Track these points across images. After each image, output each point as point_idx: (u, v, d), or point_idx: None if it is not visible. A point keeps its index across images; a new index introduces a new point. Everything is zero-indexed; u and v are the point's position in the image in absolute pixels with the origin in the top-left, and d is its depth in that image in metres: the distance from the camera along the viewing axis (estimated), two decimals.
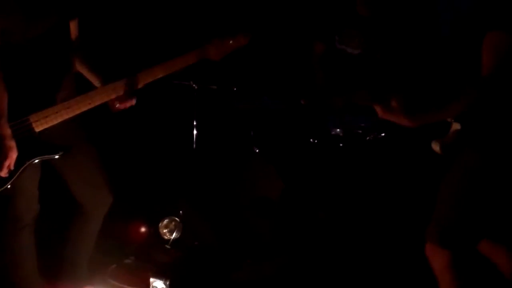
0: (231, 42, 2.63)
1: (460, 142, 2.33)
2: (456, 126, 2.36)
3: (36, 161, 2.41)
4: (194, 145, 3.72)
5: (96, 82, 2.59)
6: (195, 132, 3.71)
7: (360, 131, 3.50)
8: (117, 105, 2.52)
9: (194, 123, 3.70)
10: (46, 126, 2.39)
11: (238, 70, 3.84)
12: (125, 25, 4.29)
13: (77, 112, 2.45)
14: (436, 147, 2.37)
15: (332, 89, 3.87)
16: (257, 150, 3.71)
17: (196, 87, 3.60)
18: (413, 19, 4.15)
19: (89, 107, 2.48)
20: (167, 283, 2.85)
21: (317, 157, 3.62)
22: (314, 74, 3.95)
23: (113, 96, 2.50)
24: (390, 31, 3.86)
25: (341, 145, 3.53)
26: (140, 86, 2.55)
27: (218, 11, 4.30)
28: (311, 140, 3.60)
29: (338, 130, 3.54)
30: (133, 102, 2.55)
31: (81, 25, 2.66)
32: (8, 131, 2.27)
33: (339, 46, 3.88)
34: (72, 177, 2.64)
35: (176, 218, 3.32)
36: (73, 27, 2.60)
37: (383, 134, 3.48)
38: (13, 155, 2.28)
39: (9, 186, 2.35)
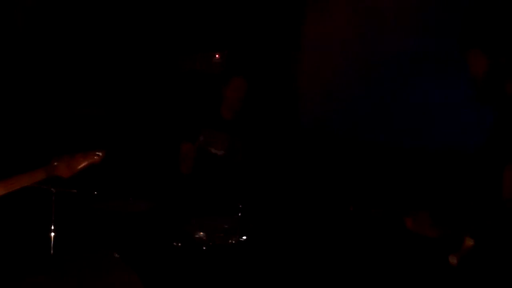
0: (81, 160, 2.58)
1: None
2: (469, 241, 2.45)
3: None
4: (52, 250, 3.55)
5: None
6: (52, 235, 3.56)
7: (222, 234, 3.51)
8: None
9: (52, 227, 3.55)
10: None
11: (101, 173, 3.79)
12: None
13: None
14: (453, 260, 2.44)
15: (198, 189, 3.92)
16: (116, 255, 3.59)
17: (54, 191, 3.48)
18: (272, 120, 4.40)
19: None
20: None
21: (180, 261, 3.56)
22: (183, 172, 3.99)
23: None
24: (251, 134, 4.04)
25: (204, 248, 3.51)
26: None
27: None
28: (174, 243, 3.56)
29: (201, 233, 3.53)
30: None
31: None
32: None
33: (203, 147, 3.97)
34: None
35: None
36: None
37: (244, 237, 3.51)
38: None
39: None
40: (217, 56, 5.29)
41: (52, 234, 3.55)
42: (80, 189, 3.54)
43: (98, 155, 2.60)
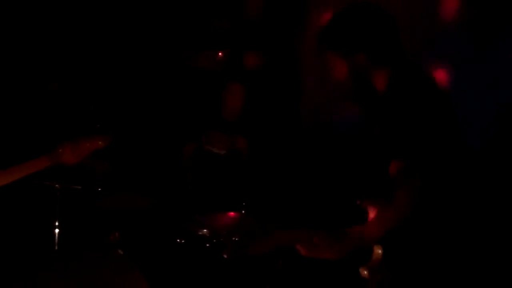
0: (87, 145, 2.57)
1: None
2: (377, 249, 2.33)
3: None
4: (56, 247, 3.57)
5: None
6: (56, 231, 3.58)
7: (225, 232, 3.52)
8: None
9: (56, 223, 3.57)
10: None
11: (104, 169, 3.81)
12: None
13: None
14: (364, 272, 2.32)
15: (201, 188, 3.94)
16: (121, 252, 3.61)
17: (58, 187, 3.50)
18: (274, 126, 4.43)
19: None
20: None
21: (183, 257, 3.58)
22: (185, 173, 4.01)
23: None
24: (254, 135, 4.06)
25: (207, 245, 3.52)
26: None
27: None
28: (177, 240, 3.57)
29: (204, 230, 3.54)
30: None
31: None
32: None
33: (205, 147, 4.00)
34: None
35: None
36: None
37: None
38: None
39: None
40: (220, 54, 5.30)
41: (57, 230, 3.57)
42: (84, 185, 3.56)
43: (102, 140, 2.59)
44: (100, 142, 2.59)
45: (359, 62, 2.31)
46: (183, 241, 3.59)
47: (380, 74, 2.33)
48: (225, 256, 3.10)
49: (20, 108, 4.22)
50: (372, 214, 2.37)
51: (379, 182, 2.32)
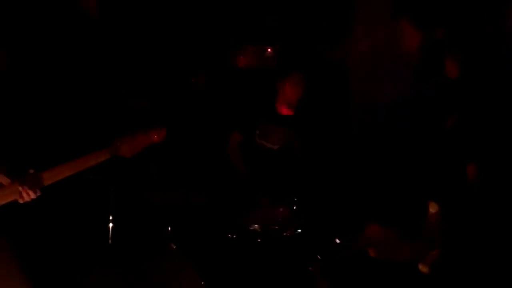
0: (143, 138, 2.61)
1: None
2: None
3: None
4: (110, 240, 3.63)
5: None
6: (110, 225, 3.65)
7: (277, 227, 3.51)
8: (22, 201, 2.43)
9: (110, 217, 3.63)
10: None
11: (155, 164, 3.85)
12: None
13: None
14: (424, 268, 2.17)
15: (255, 183, 3.94)
16: (174, 246, 3.64)
17: (112, 183, 3.57)
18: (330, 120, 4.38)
19: None
20: None
21: (235, 252, 3.58)
22: (232, 164, 4.01)
23: (17, 196, 2.41)
24: (308, 130, 4.02)
25: (258, 240, 3.52)
26: (48, 183, 2.43)
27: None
28: (229, 235, 3.58)
29: (256, 225, 3.54)
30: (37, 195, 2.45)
31: None
32: None
33: (259, 141, 3.98)
34: None
35: None
36: None
37: (299, 231, 3.50)
38: None
39: None
40: (269, 50, 5.29)
41: (111, 224, 3.63)
42: (137, 181, 3.61)
43: (157, 134, 2.63)
44: (155, 136, 2.63)
45: (436, 37, 2.21)
46: (234, 236, 3.59)
47: (453, 59, 2.24)
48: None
49: (79, 104, 4.31)
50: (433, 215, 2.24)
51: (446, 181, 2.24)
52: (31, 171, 2.40)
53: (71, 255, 3.96)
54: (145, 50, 4.91)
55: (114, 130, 2.66)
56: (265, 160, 4.01)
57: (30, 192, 2.37)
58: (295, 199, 3.57)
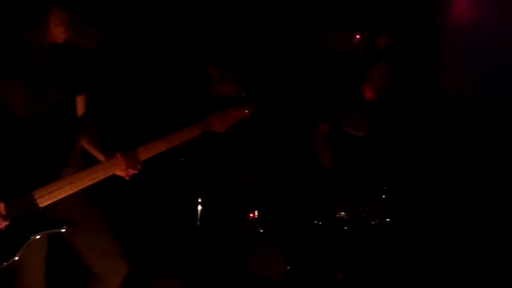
0: (234, 113, 2.63)
1: None
2: None
3: (39, 236, 2.39)
4: (198, 222, 3.71)
5: (99, 156, 2.58)
6: (199, 208, 3.71)
7: (365, 215, 3.47)
8: (124, 175, 2.53)
9: (199, 200, 3.70)
10: (50, 201, 2.37)
11: (243, 149, 3.89)
12: (129, 100, 4.37)
13: (81, 186, 2.43)
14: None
15: (338, 170, 3.91)
16: (261, 230, 3.68)
17: (201, 165, 3.63)
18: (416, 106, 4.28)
19: (93, 181, 2.45)
20: None
21: (321, 239, 3.58)
22: (318, 154, 3.99)
23: (116, 171, 2.51)
24: (395, 116, 3.95)
25: (345, 228, 3.50)
26: (142, 159, 2.53)
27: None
28: (315, 222, 3.58)
29: (342, 213, 3.52)
30: (137, 170, 2.54)
31: (88, 100, 2.68)
32: None
33: (344, 128, 3.94)
34: (84, 248, 2.58)
35: None
36: (80, 102, 2.62)
37: (388, 220, 3.45)
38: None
39: (16, 259, 2.32)
40: (357, 37, 5.21)
41: (199, 207, 3.70)
42: (225, 164, 3.66)
43: (248, 108, 2.64)
44: (246, 111, 2.64)
45: None
46: (320, 222, 3.59)
47: None
48: None
49: (173, 82, 4.42)
50: None
51: None
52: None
53: (160, 235, 4.09)
54: (241, 37, 4.94)
55: (211, 104, 2.70)
56: (350, 148, 3.98)
57: (131, 165, 2.47)
58: (384, 188, 3.52)
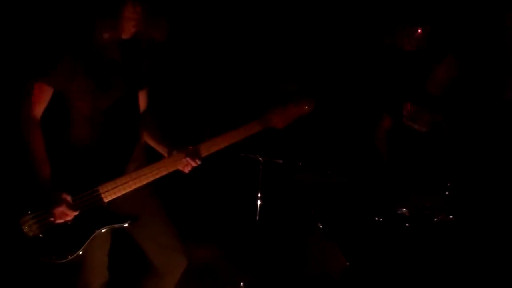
0: (294, 109, 2.62)
1: None
2: None
3: (104, 230, 2.46)
4: (257, 217, 3.72)
5: (162, 152, 2.64)
6: (259, 203, 3.73)
7: (428, 212, 3.40)
8: (186, 170, 2.57)
9: (259, 194, 3.72)
10: (114, 196, 2.44)
11: (304, 145, 3.87)
12: (191, 95, 4.43)
13: (145, 182, 2.49)
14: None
15: (397, 165, 3.85)
16: (320, 226, 3.66)
17: (262, 160, 3.64)
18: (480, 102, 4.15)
19: (156, 177, 2.51)
20: None
21: (381, 236, 3.53)
22: (379, 149, 3.93)
23: (178, 166, 2.55)
24: (459, 111, 3.85)
25: (407, 225, 3.44)
26: (204, 155, 2.57)
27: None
28: (376, 218, 3.53)
29: (404, 209, 3.46)
30: (198, 163, 2.57)
31: (149, 95, 2.73)
32: (56, 195, 2.34)
33: (407, 122, 3.87)
34: (146, 242, 2.65)
35: None
36: (142, 97, 2.68)
37: (451, 217, 3.37)
38: (66, 217, 2.35)
39: (80, 252, 2.41)
40: (419, 31, 5.10)
41: (259, 202, 3.72)
42: (286, 159, 3.65)
43: (308, 105, 2.63)
44: (306, 107, 2.62)
45: None
46: (381, 219, 3.54)
47: None
48: None
49: (234, 79, 4.46)
50: None
51: None
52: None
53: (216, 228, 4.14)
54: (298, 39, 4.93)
55: (270, 101, 2.71)
56: (413, 143, 3.90)
57: (192, 161, 2.52)
58: (448, 184, 3.43)
